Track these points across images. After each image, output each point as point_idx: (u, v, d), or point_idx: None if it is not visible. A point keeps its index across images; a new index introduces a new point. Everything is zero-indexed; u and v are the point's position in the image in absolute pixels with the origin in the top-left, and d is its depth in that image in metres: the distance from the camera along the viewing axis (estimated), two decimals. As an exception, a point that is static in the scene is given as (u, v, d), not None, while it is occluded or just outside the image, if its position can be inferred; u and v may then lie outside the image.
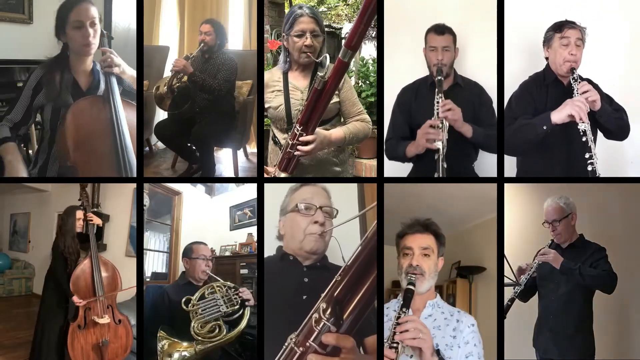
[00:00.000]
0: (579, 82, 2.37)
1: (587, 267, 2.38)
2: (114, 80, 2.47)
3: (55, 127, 2.45)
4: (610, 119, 2.41)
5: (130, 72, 2.53)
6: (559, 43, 2.42)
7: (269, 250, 2.26)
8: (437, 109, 2.38)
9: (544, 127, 2.34)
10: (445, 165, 2.33)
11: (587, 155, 2.31)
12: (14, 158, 2.38)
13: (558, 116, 2.32)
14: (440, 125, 2.35)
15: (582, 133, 2.30)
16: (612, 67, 2.63)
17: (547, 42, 2.48)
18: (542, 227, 2.52)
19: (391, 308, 2.07)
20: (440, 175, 2.33)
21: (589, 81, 2.45)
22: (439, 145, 2.34)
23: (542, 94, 2.48)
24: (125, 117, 2.45)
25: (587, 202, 2.54)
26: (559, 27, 2.43)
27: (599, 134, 2.47)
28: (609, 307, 2.46)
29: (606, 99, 2.45)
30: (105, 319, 2.66)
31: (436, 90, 2.42)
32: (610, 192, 2.56)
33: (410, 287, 1.91)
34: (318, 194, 2.11)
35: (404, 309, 1.85)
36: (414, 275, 1.93)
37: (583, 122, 2.29)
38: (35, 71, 2.47)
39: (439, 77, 2.43)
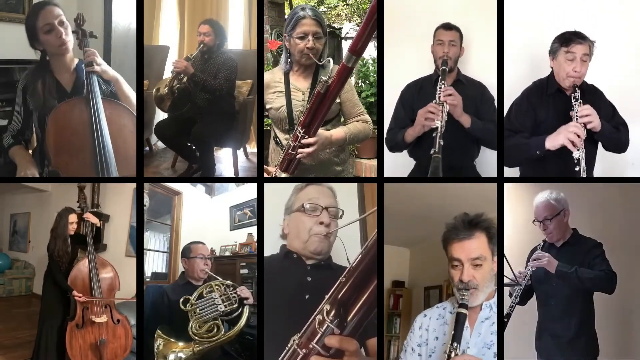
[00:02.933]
0: (580, 103, 2.34)
1: (584, 269, 2.29)
2: (94, 80, 2.47)
3: (44, 131, 2.47)
4: (608, 139, 2.41)
5: (112, 73, 2.52)
6: (564, 57, 2.37)
7: (269, 250, 2.27)
8: (439, 94, 2.40)
9: (537, 152, 2.35)
10: (442, 143, 2.31)
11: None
12: (22, 158, 2.49)
13: (552, 143, 2.31)
14: (440, 108, 2.36)
15: (575, 161, 2.29)
16: (614, 69, 2.60)
17: (552, 52, 2.44)
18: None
19: (447, 309, 1.92)
20: (436, 151, 2.30)
21: (594, 89, 2.46)
22: (437, 123, 2.35)
23: (544, 104, 2.46)
24: (109, 116, 2.46)
25: (587, 203, 2.54)
26: (567, 40, 2.37)
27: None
28: (610, 308, 2.45)
29: (609, 110, 2.45)
30: (103, 318, 2.67)
31: (439, 78, 2.45)
32: (610, 192, 2.56)
33: (462, 310, 1.72)
34: (324, 194, 2.12)
35: (454, 344, 1.68)
36: (465, 293, 1.74)
37: (577, 150, 2.28)
38: (20, 80, 2.53)
39: (444, 67, 2.46)
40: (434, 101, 2.40)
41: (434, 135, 2.34)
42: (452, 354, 1.69)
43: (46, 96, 2.47)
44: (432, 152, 2.31)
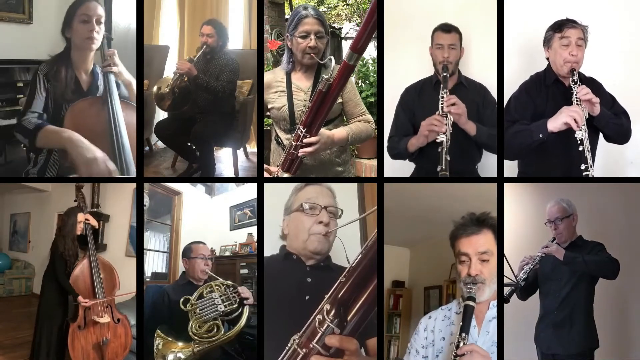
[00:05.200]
0: (579, 85, 2.32)
1: (590, 255, 2.38)
2: (112, 81, 2.48)
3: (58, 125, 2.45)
4: (608, 125, 2.37)
5: (127, 76, 2.54)
6: (559, 43, 2.37)
7: (269, 250, 2.27)
8: (442, 104, 2.37)
9: (540, 135, 2.30)
10: (448, 158, 2.30)
11: (582, 167, 2.26)
12: (71, 132, 2.34)
13: (554, 124, 2.28)
14: (445, 120, 2.33)
15: (579, 142, 2.26)
16: (614, 66, 2.59)
17: (547, 42, 2.43)
18: (542, 228, 2.51)
19: (453, 310, 1.94)
20: (443, 168, 2.28)
21: (592, 80, 2.43)
22: (442, 138, 2.32)
23: (543, 95, 2.44)
24: (124, 117, 2.46)
25: (587, 203, 2.55)
26: (559, 26, 2.38)
27: (600, 135, 2.44)
28: (608, 304, 2.48)
29: (609, 100, 2.42)
30: (105, 318, 2.67)
31: (441, 86, 2.42)
32: (610, 192, 2.56)
33: (470, 303, 1.75)
34: (323, 193, 2.12)
35: (462, 335, 1.71)
36: (473, 287, 1.77)
37: (580, 130, 2.25)
38: (40, 67, 2.49)
39: (445, 74, 2.43)
40: (437, 112, 2.36)
41: (439, 150, 2.32)
42: (461, 344, 1.71)
43: (68, 83, 2.47)
44: (439, 169, 2.30)
